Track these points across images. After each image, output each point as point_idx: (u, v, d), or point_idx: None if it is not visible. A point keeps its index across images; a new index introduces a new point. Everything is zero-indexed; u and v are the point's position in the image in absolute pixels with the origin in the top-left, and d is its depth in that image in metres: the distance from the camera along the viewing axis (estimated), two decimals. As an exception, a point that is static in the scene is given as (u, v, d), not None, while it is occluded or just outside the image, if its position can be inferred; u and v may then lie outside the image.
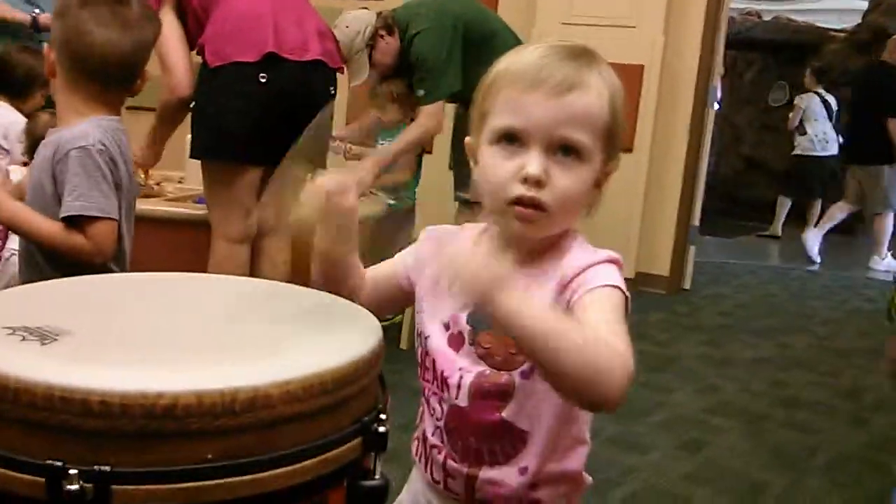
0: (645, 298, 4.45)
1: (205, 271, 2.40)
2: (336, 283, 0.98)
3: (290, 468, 0.74)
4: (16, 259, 2.63)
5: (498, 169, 0.89)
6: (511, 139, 0.88)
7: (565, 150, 0.87)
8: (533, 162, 0.86)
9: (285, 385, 0.74)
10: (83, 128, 1.42)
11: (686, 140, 4.57)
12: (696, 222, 4.90)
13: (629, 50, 4.36)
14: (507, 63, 0.91)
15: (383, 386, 0.92)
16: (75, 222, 1.38)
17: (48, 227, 1.39)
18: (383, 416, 0.83)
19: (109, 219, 1.39)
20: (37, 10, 2.95)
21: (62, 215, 1.38)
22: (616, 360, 0.77)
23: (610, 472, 2.37)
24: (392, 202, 3.35)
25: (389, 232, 3.30)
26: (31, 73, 2.92)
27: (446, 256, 0.79)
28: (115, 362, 0.73)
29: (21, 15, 2.94)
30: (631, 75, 4.36)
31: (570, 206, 0.89)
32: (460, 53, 3.14)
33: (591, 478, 1.00)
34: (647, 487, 2.32)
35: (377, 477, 0.82)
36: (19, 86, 2.94)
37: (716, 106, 5.02)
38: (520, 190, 0.87)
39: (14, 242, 2.67)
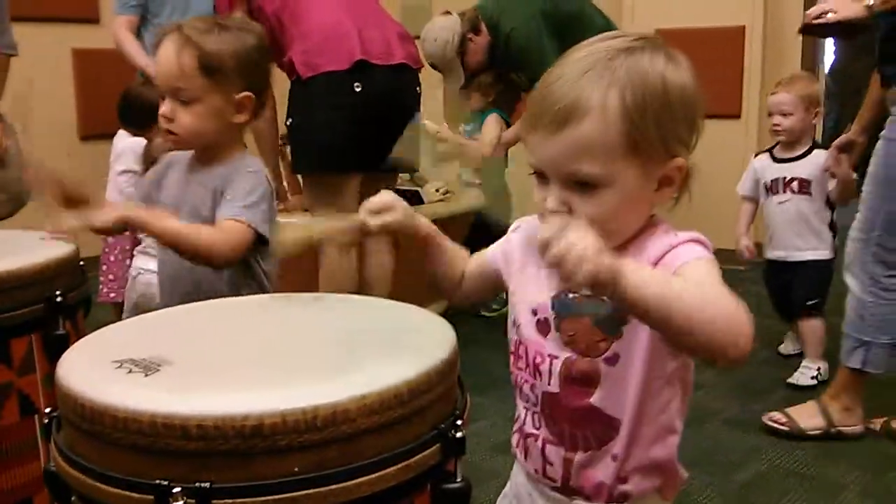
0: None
1: (316, 279, 2.52)
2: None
3: (372, 476, 0.79)
4: (144, 278, 2.82)
5: (536, 198, 0.92)
6: (539, 174, 0.90)
7: (578, 182, 0.87)
8: (550, 197, 0.88)
9: (362, 399, 0.79)
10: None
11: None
12: (817, 185, 4.65)
13: (729, 11, 4.20)
14: (532, 93, 0.92)
15: (462, 390, 0.95)
16: None
17: None
18: (460, 423, 0.87)
19: None
20: None
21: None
22: (738, 307, 0.78)
23: (732, 455, 2.32)
24: (478, 181, 3.45)
25: (492, 219, 3.36)
26: (150, 107, 3.09)
27: (556, 244, 0.76)
28: (209, 389, 0.81)
29: (151, 67, 3.10)
30: (732, 38, 4.20)
31: (604, 227, 0.86)
32: (553, 39, 3.13)
33: (686, 472, 1.00)
34: (773, 468, 2.25)
35: (459, 480, 0.86)
36: (139, 118, 3.14)
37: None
38: None
39: (142, 261, 2.86)
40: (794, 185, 2.77)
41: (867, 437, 2.41)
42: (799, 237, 2.79)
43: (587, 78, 0.86)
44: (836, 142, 2.69)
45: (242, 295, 1.38)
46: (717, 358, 0.81)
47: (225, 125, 1.45)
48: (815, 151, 2.77)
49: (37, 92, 3.94)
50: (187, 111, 1.42)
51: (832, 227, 2.82)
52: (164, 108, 1.43)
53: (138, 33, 3.17)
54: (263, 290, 1.48)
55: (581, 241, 0.75)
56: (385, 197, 1.02)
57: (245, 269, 1.46)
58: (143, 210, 1.40)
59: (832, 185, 2.73)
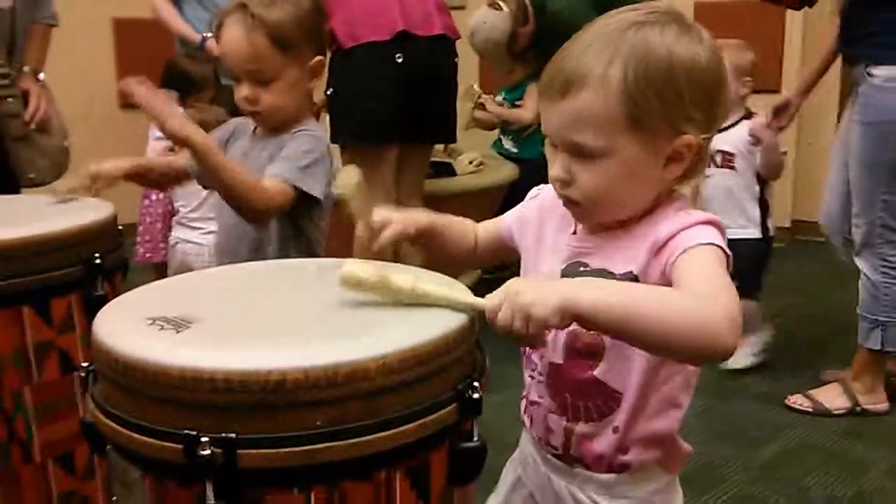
0: (804, 247, 4.23)
1: (350, 246, 2.55)
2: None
3: (390, 432, 0.82)
4: (182, 247, 2.90)
5: (550, 166, 0.94)
6: (551, 142, 0.92)
7: (578, 151, 0.88)
8: (555, 165, 0.91)
9: (382, 359, 0.81)
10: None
11: (839, 75, 4.24)
12: (858, 162, 4.56)
13: (770, -14, 4.11)
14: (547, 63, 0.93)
15: (482, 354, 0.98)
16: None
17: None
18: (476, 384, 0.89)
19: None
20: (209, 35, 2.97)
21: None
22: (716, 311, 0.78)
23: (760, 430, 2.33)
24: (515, 150, 3.49)
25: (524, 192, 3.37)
26: (189, 79, 3.14)
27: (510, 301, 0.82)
28: (236, 346, 0.84)
29: (193, 35, 3.15)
30: (772, 11, 4.09)
31: (605, 198, 0.90)
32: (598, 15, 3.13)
33: (689, 446, 1.01)
34: (800, 445, 2.25)
35: (475, 439, 0.89)
36: (178, 90, 3.19)
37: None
38: (556, 188, 0.93)
39: (179, 232, 2.94)
40: (718, 158, 2.65)
41: (894, 416, 2.40)
42: (725, 213, 2.63)
43: (592, 50, 0.87)
44: (774, 104, 2.62)
45: (291, 257, 1.39)
46: (687, 362, 0.84)
47: (303, 94, 1.46)
48: (741, 123, 2.63)
49: (77, 61, 4.02)
50: (269, 91, 1.41)
51: (762, 204, 2.69)
52: (245, 91, 1.41)
53: (176, 1, 3.22)
54: (312, 253, 1.47)
55: (518, 300, 0.80)
56: (381, 214, 1.03)
57: (294, 231, 1.46)
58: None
59: (760, 157, 2.60)
